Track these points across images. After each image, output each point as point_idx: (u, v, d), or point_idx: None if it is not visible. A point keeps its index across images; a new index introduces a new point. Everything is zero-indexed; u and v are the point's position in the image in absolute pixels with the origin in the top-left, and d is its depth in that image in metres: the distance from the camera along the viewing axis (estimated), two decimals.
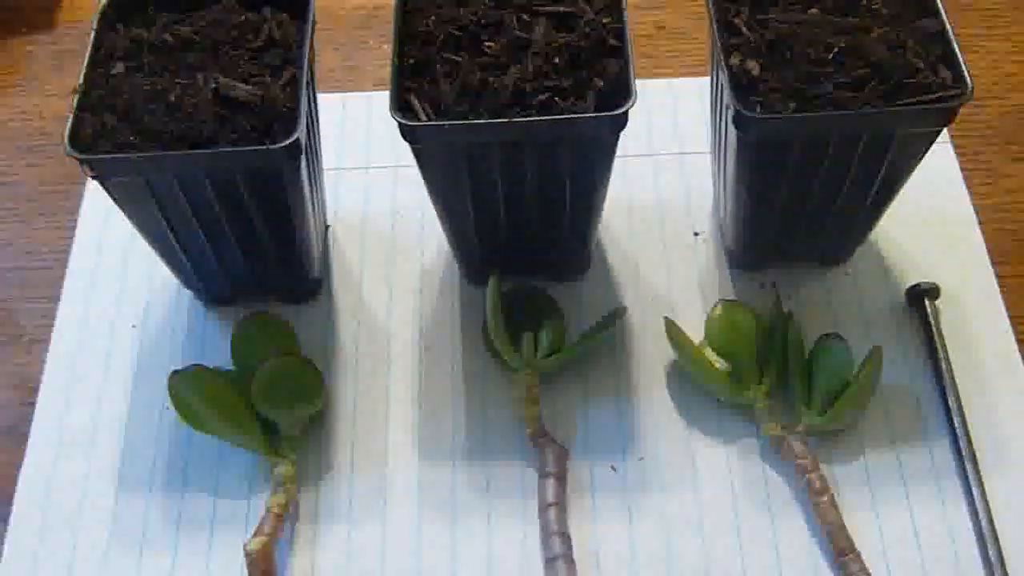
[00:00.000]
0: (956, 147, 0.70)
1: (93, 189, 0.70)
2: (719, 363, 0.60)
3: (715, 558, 0.56)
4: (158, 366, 0.63)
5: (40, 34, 0.80)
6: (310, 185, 0.59)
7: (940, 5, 0.56)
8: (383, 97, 0.72)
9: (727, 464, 0.59)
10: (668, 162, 0.70)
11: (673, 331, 0.59)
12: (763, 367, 0.60)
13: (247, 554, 0.54)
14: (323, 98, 0.64)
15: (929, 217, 0.67)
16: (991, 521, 0.56)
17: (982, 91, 0.73)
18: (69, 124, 0.54)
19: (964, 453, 0.58)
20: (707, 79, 0.63)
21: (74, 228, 0.69)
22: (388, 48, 0.76)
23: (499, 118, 0.52)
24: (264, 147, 0.52)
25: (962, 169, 0.69)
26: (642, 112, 0.72)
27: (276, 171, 0.54)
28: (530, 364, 0.60)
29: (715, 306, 0.61)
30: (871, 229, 0.63)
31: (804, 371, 0.59)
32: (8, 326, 0.65)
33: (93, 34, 0.58)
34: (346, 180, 0.70)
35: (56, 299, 0.66)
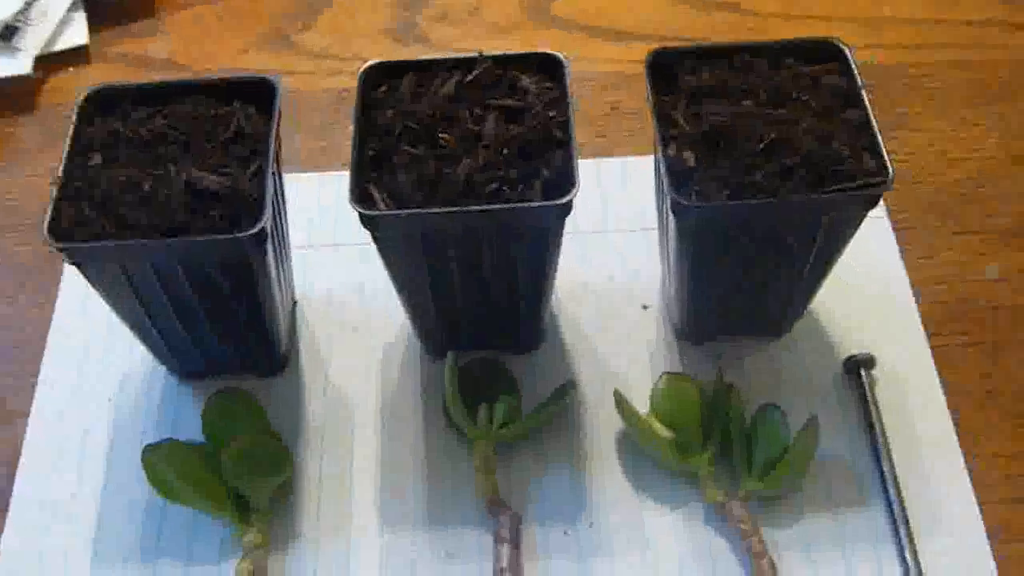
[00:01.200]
0: (894, 222, 0.74)
1: (72, 268, 0.73)
2: (665, 432, 0.63)
3: None
4: (133, 438, 0.66)
5: (23, 115, 0.83)
6: (276, 266, 0.62)
7: (864, 97, 0.60)
8: None
9: (674, 529, 0.62)
10: (620, 238, 0.74)
11: (621, 402, 0.63)
12: (707, 436, 0.63)
13: None
14: (296, 177, 0.67)
15: (866, 289, 0.70)
16: None
17: (920, 168, 0.77)
18: (48, 213, 0.57)
19: (898, 517, 0.61)
20: None
21: (55, 304, 0.72)
22: None
23: (452, 207, 0.56)
24: (232, 235, 0.56)
25: (899, 243, 0.73)
26: (597, 190, 0.75)
27: (244, 257, 0.57)
28: (486, 435, 0.63)
29: (660, 378, 0.64)
30: (808, 303, 0.66)
31: (744, 439, 0.63)
32: None
33: (72, 126, 0.61)
34: (315, 257, 0.74)
35: (38, 374, 0.69)
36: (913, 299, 0.70)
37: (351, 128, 0.80)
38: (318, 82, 0.85)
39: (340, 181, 0.76)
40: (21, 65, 0.84)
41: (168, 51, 0.87)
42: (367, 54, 0.85)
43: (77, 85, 0.85)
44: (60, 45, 0.86)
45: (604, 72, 0.83)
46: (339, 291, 0.72)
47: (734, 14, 0.88)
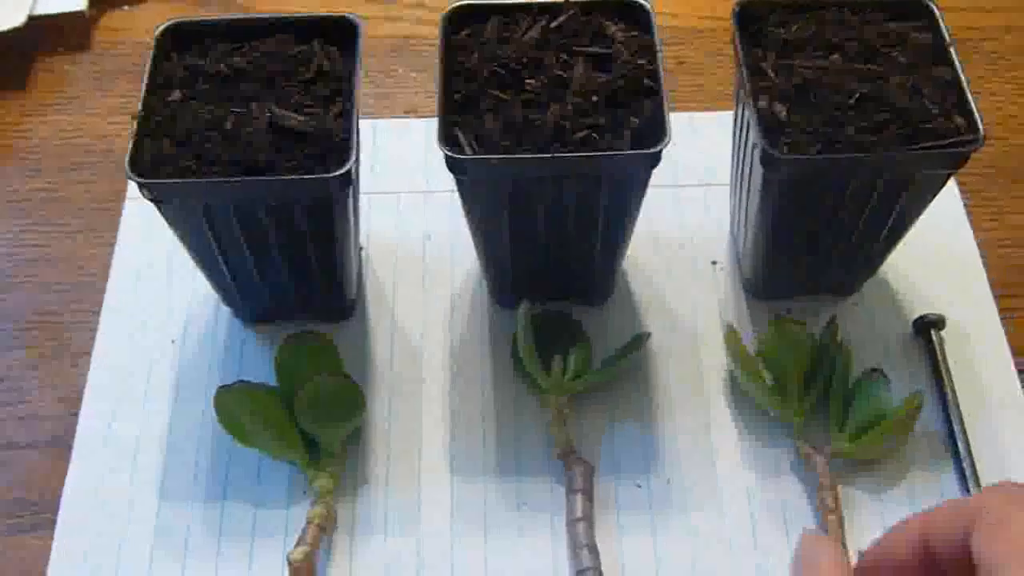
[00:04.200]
0: (960, 185, 0.73)
1: (132, 207, 0.72)
2: (767, 375, 0.63)
3: (737, 571, 0.59)
4: (198, 381, 0.66)
5: (79, 53, 0.82)
6: (353, 211, 0.61)
7: (954, 55, 0.59)
8: (415, 124, 0.76)
9: (746, 482, 0.62)
10: (689, 193, 0.73)
11: (732, 339, 0.63)
12: (808, 386, 0.63)
13: (290, 563, 0.57)
14: None
15: (935, 251, 0.70)
16: None
17: (990, 134, 0.77)
18: (129, 149, 0.56)
19: (968, 476, 0.61)
20: (726, 113, 0.66)
21: (115, 244, 0.71)
22: (418, 76, 0.80)
23: (541, 153, 0.55)
24: (320, 176, 0.55)
25: (967, 206, 0.72)
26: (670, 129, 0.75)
27: (328, 199, 0.56)
28: (559, 386, 0.63)
29: (774, 319, 0.64)
30: (882, 263, 0.66)
31: (844, 398, 0.62)
32: (55, 339, 0.68)
33: (150, 61, 0.60)
34: (378, 204, 0.73)
35: (99, 312, 0.68)
36: (980, 260, 0.70)
37: (413, 76, 0.81)
38: (377, 27, 0.84)
39: (402, 128, 0.77)
40: (76, 1, 0.83)
41: None
42: (430, 2, 0.84)
43: (132, 23, 0.84)
44: None
45: (667, 26, 0.83)
46: (403, 239, 0.72)
47: None
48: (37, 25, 0.82)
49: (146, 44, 0.61)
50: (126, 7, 0.85)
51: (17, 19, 0.80)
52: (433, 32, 0.61)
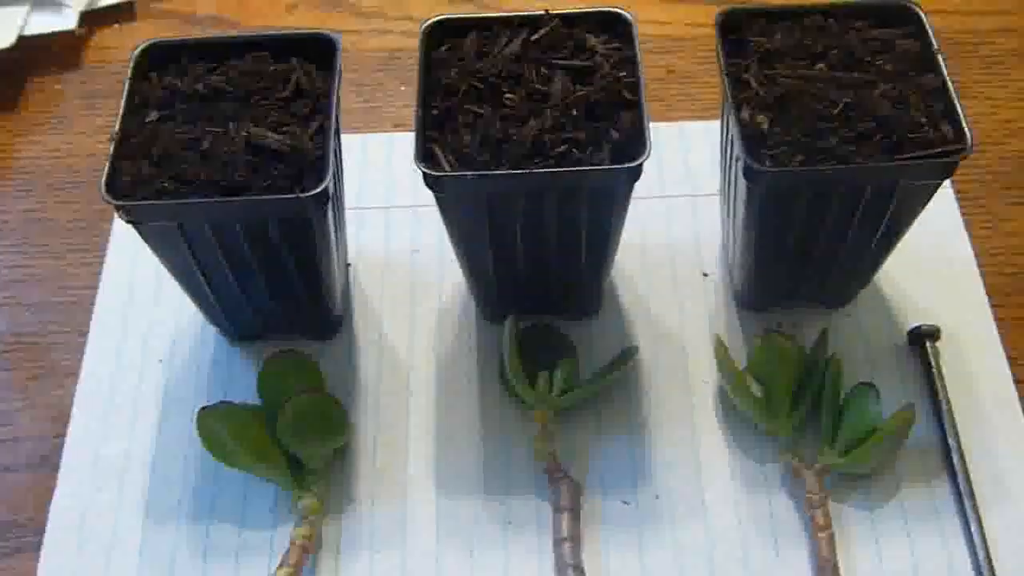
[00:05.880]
0: (956, 191, 0.72)
1: (120, 227, 0.72)
2: (756, 389, 0.62)
3: None
4: (185, 400, 0.65)
5: (69, 72, 0.82)
6: (335, 227, 0.61)
7: (941, 62, 0.58)
8: (403, 139, 0.76)
9: (735, 499, 0.61)
10: (678, 204, 0.72)
11: (721, 352, 0.62)
12: (797, 400, 0.62)
13: None
14: (344, 139, 0.66)
15: (930, 260, 0.69)
16: (988, 555, 0.58)
17: (981, 136, 0.76)
18: (106, 170, 0.56)
19: (963, 489, 0.60)
20: (716, 123, 0.66)
21: (103, 264, 0.71)
22: (406, 90, 0.80)
23: (520, 168, 0.55)
24: (295, 196, 0.54)
25: (962, 213, 0.71)
26: (653, 155, 0.73)
27: (305, 217, 0.56)
28: (545, 401, 0.62)
29: (763, 334, 0.63)
30: (874, 273, 0.65)
31: (835, 412, 0.61)
32: (42, 359, 0.68)
33: (127, 82, 0.60)
34: (366, 219, 0.73)
35: (87, 333, 0.68)
36: (977, 269, 0.69)
37: (402, 89, 0.80)
38: (365, 41, 0.83)
39: (390, 143, 0.77)
40: (67, 20, 0.83)
41: (215, 7, 0.86)
42: (418, 15, 0.84)
43: (122, 42, 0.84)
44: (105, 1, 0.85)
45: (657, 35, 0.82)
46: (391, 254, 0.71)
47: None
48: (27, 45, 0.82)
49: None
50: (116, 25, 0.85)
51: (7, 40, 0.81)
52: None
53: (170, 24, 0.85)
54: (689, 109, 0.78)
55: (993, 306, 0.68)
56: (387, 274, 0.70)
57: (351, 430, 0.64)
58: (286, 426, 0.59)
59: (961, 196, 0.72)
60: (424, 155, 0.56)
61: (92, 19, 0.85)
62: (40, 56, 0.83)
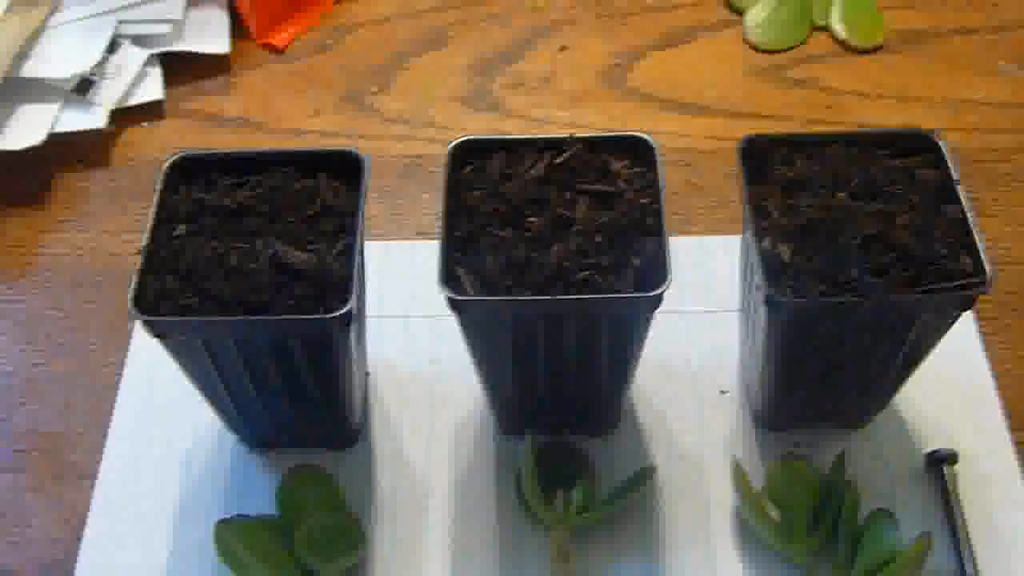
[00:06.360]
0: (977, 313, 0.72)
1: (141, 331, 0.72)
2: (774, 513, 0.62)
3: None
4: (200, 508, 0.65)
5: (96, 170, 0.84)
6: (356, 341, 0.61)
7: (960, 193, 0.59)
8: (425, 247, 0.77)
9: None
10: (696, 319, 0.73)
11: (739, 476, 0.62)
12: (815, 524, 0.62)
13: None
14: (367, 246, 0.67)
15: (948, 381, 0.69)
16: None
17: (1001, 256, 0.76)
18: (134, 285, 0.57)
19: None
20: (736, 237, 0.66)
21: (124, 365, 0.72)
22: (429, 197, 0.80)
23: (542, 294, 0.55)
24: (319, 316, 0.55)
25: (982, 335, 0.71)
26: (672, 269, 0.74)
27: (327, 336, 0.56)
28: (563, 521, 0.62)
29: (780, 459, 0.63)
30: (892, 397, 0.65)
31: (851, 538, 0.61)
32: (59, 460, 0.68)
33: (157, 194, 0.61)
34: (387, 328, 0.73)
35: (105, 435, 0.68)
36: (995, 392, 0.69)
37: (424, 196, 0.81)
38: (388, 147, 0.84)
39: (412, 251, 0.77)
40: (96, 119, 0.84)
41: (240, 109, 0.87)
42: (441, 120, 0.85)
43: (149, 141, 0.85)
44: (135, 100, 0.86)
45: (678, 147, 0.83)
46: (411, 364, 0.71)
47: (810, 90, 0.87)
48: (54, 140, 0.83)
49: (162, 161, 0.62)
50: (144, 124, 0.86)
51: (37, 137, 0.82)
52: (444, 151, 0.61)
53: (197, 124, 0.86)
54: (709, 222, 0.78)
55: (1012, 430, 0.67)
56: (406, 384, 0.70)
57: (367, 544, 0.63)
58: (303, 541, 0.59)
59: (981, 318, 0.72)
60: (447, 277, 0.56)
61: (121, 117, 0.86)
62: (67, 152, 0.84)
